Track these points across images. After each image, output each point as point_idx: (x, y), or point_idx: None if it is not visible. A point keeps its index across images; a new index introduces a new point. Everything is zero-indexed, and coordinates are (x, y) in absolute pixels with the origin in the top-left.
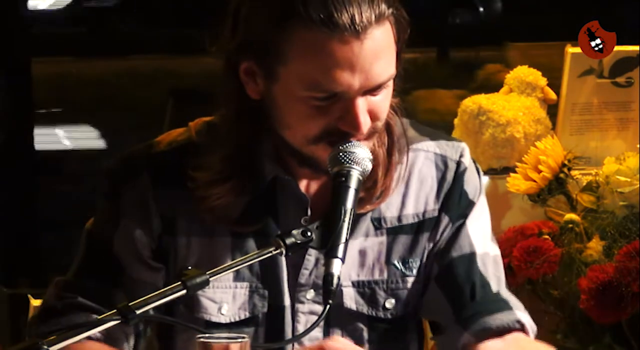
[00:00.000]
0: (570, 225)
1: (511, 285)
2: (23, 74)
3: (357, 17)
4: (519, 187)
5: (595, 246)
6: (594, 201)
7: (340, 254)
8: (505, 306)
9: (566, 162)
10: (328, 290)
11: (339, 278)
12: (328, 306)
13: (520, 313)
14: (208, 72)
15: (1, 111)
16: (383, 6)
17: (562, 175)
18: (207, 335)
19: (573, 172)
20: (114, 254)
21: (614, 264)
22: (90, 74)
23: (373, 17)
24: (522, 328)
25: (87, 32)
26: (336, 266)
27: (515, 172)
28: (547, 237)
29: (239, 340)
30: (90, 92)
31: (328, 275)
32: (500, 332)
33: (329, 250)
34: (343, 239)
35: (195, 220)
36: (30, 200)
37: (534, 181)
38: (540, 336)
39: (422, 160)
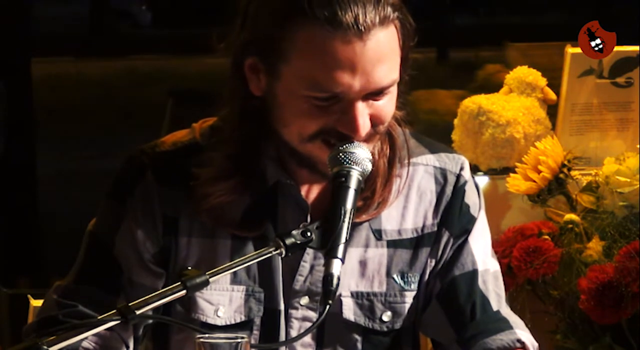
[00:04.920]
0: (570, 226)
1: (511, 285)
2: (23, 74)
3: (361, 17)
4: (518, 187)
5: (595, 246)
6: (593, 201)
7: (340, 254)
8: (505, 326)
9: (566, 162)
10: (328, 290)
11: (338, 278)
12: (328, 306)
13: (520, 331)
14: (208, 72)
15: (1, 111)
16: (389, 9)
17: (562, 175)
18: (206, 335)
19: (573, 173)
20: (115, 257)
21: (613, 264)
22: (90, 74)
23: (377, 19)
24: (522, 346)
25: (87, 32)
26: (336, 266)
27: (515, 172)
28: (547, 237)
29: (238, 340)
30: (90, 92)
31: (328, 276)
32: None
33: (329, 250)
34: (343, 239)
35: (196, 220)
36: (31, 200)
37: (534, 181)
38: (540, 336)
39: (422, 173)
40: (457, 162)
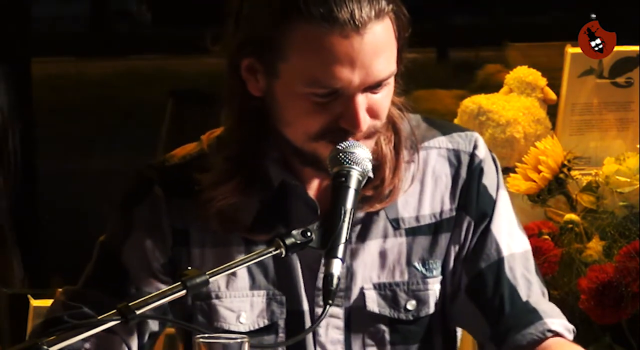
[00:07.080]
0: (570, 226)
1: None
2: (23, 74)
3: (356, 12)
4: (518, 187)
5: (595, 246)
6: (593, 201)
7: (340, 254)
8: (535, 317)
9: (566, 162)
10: (328, 290)
11: (338, 278)
12: (328, 307)
13: (551, 320)
14: (208, 72)
15: (1, 111)
16: (383, 2)
17: (562, 175)
18: (206, 335)
19: (573, 172)
20: (123, 264)
21: (613, 264)
22: (90, 74)
23: (373, 12)
24: (554, 335)
25: (87, 32)
26: (336, 266)
27: (515, 172)
28: (547, 237)
29: (239, 340)
30: (90, 92)
31: (328, 276)
32: (533, 345)
33: (329, 250)
34: (343, 239)
35: (208, 231)
36: (31, 200)
37: (534, 181)
38: None
39: (435, 157)
40: (470, 141)
